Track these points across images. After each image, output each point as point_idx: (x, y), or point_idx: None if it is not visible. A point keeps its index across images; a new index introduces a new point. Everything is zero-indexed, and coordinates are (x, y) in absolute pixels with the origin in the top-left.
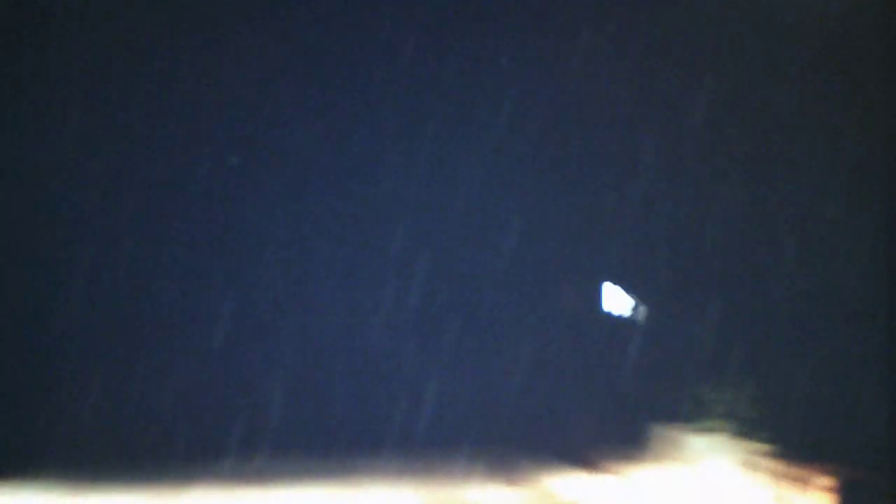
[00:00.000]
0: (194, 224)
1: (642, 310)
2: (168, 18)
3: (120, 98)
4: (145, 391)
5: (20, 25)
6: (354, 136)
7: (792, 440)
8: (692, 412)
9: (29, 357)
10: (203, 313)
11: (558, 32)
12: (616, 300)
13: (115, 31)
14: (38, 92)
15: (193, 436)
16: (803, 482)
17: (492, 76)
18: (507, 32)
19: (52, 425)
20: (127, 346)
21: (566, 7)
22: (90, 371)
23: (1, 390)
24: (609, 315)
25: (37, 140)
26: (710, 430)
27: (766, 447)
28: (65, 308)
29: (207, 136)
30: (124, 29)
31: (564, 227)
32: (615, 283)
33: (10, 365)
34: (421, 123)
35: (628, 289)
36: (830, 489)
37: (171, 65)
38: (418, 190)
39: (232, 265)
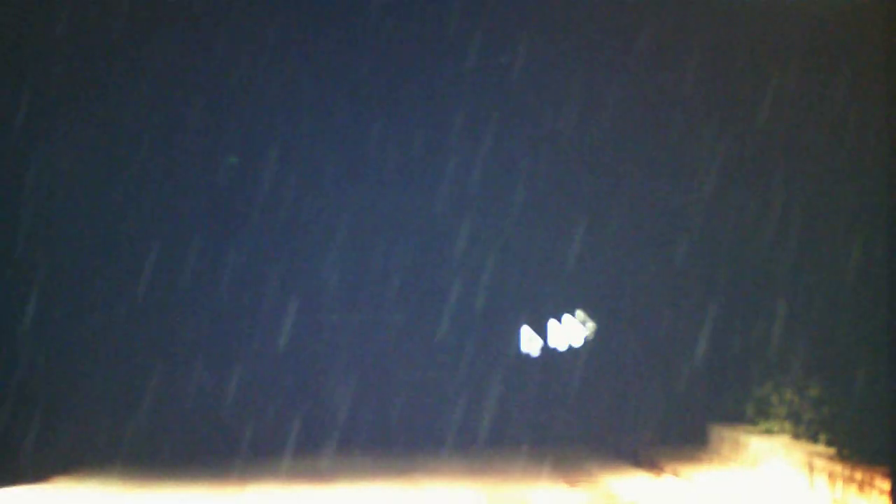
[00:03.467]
0: (266, 227)
1: (707, 310)
2: (169, 18)
3: (121, 98)
4: (210, 389)
5: (20, 25)
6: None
7: (853, 442)
8: (753, 413)
9: (96, 355)
10: (267, 314)
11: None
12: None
13: (116, 30)
14: (38, 91)
15: (256, 433)
16: (863, 484)
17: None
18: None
19: (117, 421)
20: (192, 345)
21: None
22: (155, 369)
23: (67, 388)
24: (668, 313)
25: (46, 143)
26: (772, 431)
27: (826, 449)
28: (130, 308)
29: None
30: (125, 28)
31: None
32: (672, 283)
33: (77, 362)
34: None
35: (690, 289)
36: (891, 492)
37: (171, 64)
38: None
39: (298, 266)
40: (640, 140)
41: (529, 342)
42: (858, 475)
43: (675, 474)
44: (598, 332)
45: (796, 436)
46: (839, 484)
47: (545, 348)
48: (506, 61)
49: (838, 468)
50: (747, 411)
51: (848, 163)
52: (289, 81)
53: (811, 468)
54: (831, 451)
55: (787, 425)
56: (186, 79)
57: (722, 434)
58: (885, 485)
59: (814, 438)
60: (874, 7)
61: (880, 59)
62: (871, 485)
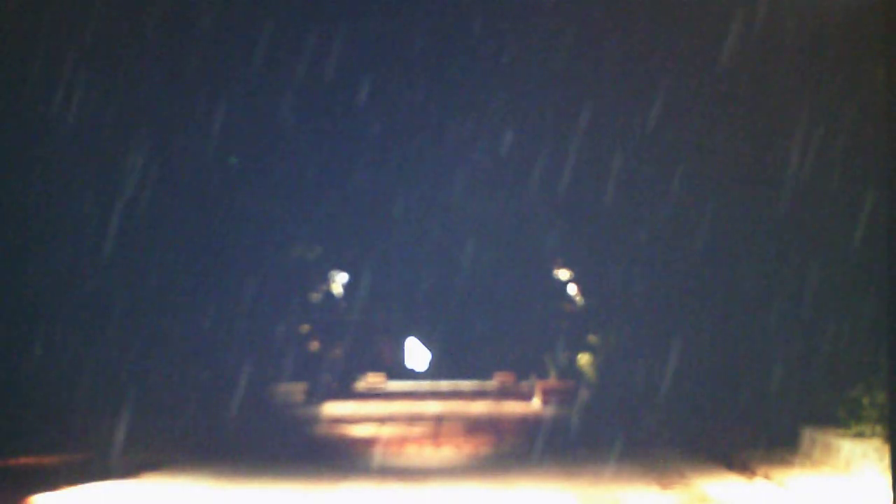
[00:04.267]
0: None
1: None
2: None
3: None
4: (299, 385)
5: (21, 24)
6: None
7: None
8: (845, 416)
9: (187, 352)
10: (358, 318)
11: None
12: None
13: (117, 30)
14: (38, 91)
15: (346, 430)
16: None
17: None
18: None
19: (208, 417)
20: (280, 343)
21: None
22: (246, 365)
23: (157, 384)
24: (760, 313)
25: (43, 141)
26: (864, 434)
27: None
28: (220, 306)
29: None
30: (125, 28)
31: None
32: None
33: (168, 359)
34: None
35: (780, 288)
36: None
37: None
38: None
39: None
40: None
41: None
42: None
43: (768, 478)
44: (687, 333)
45: (889, 439)
46: None
47: None
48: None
49: None
50: (839, 413)
51: None
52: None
53: None
54: None
55: (879, 428)
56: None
57: (813, 437)
58: None
59: None
60: (874, 7)
61: (880, 60)
62: None
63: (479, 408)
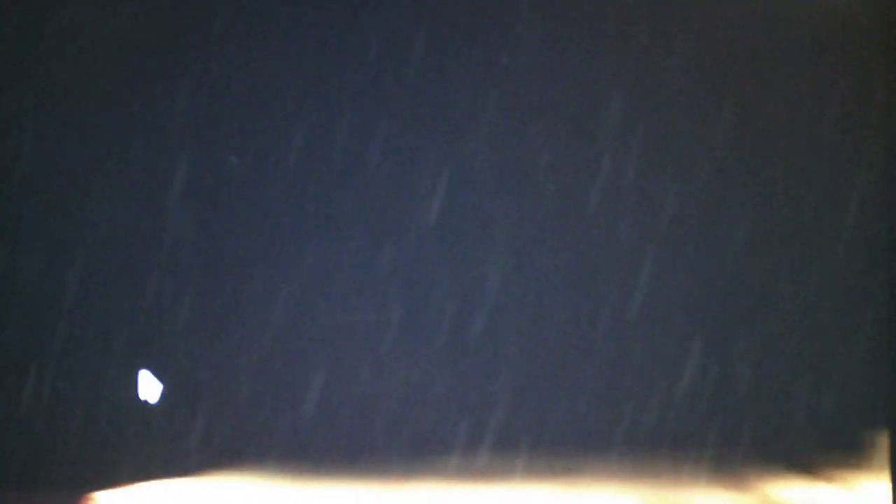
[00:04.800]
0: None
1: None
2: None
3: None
4: (370, 385)
5: (21, 25)
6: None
7: None
8: None
9: (253, 350)
10: (428, 310)
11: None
12: None
13: (117, 30)
14: (38, 90)
15: (417, 431)
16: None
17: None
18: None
19: (277, 416)
20: (352, 342)
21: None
22: (314, 363)
23: (226, 383)
24: (827, 310)
25: (40, 140)
26: None
27: None
28: (288, 298)
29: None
30: (126, 28)
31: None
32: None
33: (238, 357)
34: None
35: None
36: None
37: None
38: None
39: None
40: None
41: None
42: None
43: (835, 481)
44: (748, 327)
45: (889, 439)
46: None
47: None
48: None
49: None
50: None
51: None
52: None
53: None
54: None
55: None
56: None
57: (882, 439)
58: None
59: None
60: (874, 7)
61: (880, 59)
62: None
63: None
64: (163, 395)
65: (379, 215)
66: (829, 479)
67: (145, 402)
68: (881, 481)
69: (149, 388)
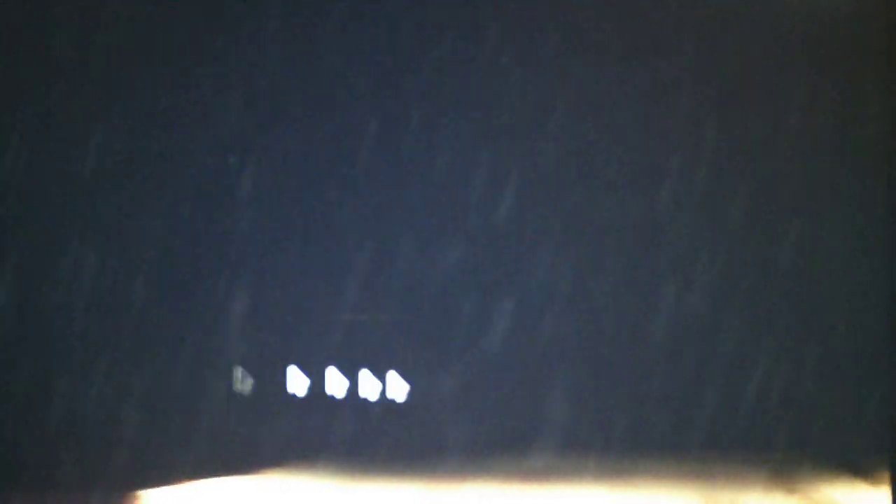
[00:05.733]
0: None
1: None
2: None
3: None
4: (423, 388)
5: (21, 25)
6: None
7: None
8: None
9: (304, 355)
10: (474, 314)
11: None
12: None
13: (117, 30)
14: (38, 90)
15: (470, 431)
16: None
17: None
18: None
19: (330, 420)
20: (406, 346)
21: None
22: (371, 369)
23: (276, 385)
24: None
25: (40, 141)
26: None
27: None
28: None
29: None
30: (126, 28)
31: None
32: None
33: (286, 360)
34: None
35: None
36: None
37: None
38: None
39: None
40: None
41: None
42: None
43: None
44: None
45: (890, 440)
46: None
47: None
48: None
49: None
50: None
51: None
52: None
53: None
54: None
55: None
56: None
57: None
58: None
59: None
60: (874, 7)
61: (880, 59)
62: None
63: None
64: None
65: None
66: (889, 482)
67: (240, 395)
68: None
69: (296, 382)
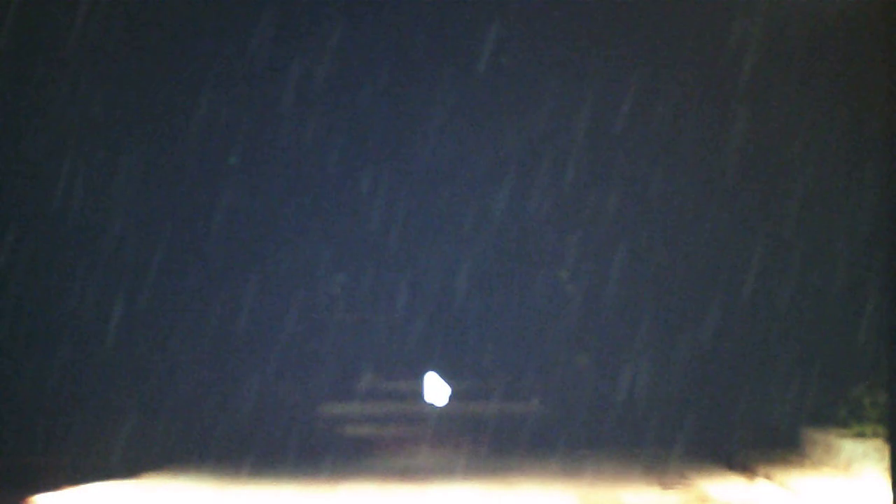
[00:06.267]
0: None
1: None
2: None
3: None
4: (298, 388)
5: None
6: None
7: None
8: (846, 416)
9: (190, 354)
10: (356, 315)
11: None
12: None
13: (117, 31)
14: (39, 91)
15: (344, 432)
16: (890, 481)
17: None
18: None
19: (207, 418)
20: (280, 345)
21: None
22: (245, 366)
23: (158, 385)
24: (766, 311)
25: (38, 138)
26: (865, 434)
27: None
28: (224, 305)
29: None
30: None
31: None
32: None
33: (168, 359)
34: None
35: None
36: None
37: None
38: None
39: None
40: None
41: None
42: None
43: (769, 478)
44: (681, 328)
45: (890, 439)
46: None
47: None
48: None
49: None
50: (840, 413)
51: None
52: None
53: None
54: None
55: (881, 429)
56: None
57: (814, 437)
58: None
59: None
60: (874, 7)
61: (880, 59)
62: None
63: None
64: (92, 396)
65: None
66: (763, 475)
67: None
68: (813, 476)
69: (437, 390)
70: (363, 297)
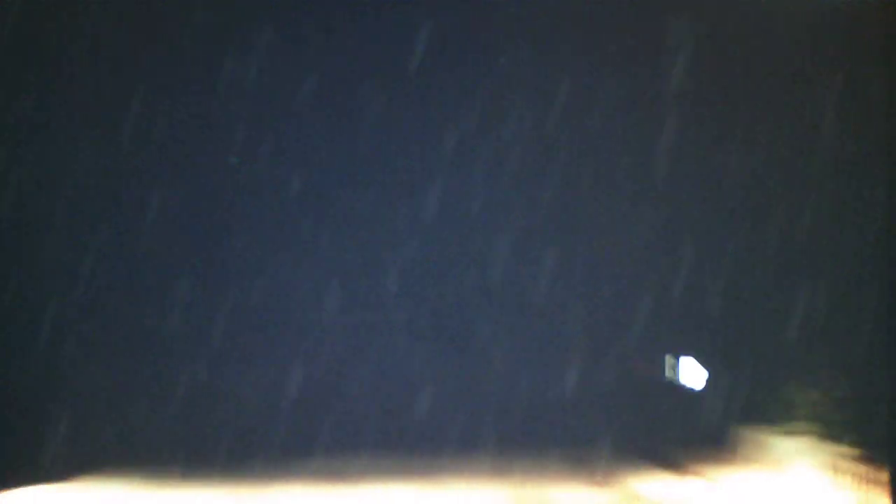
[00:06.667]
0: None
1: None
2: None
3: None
4: (229, 389)
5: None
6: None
7: (878, 442)
8: (777, 414)
9: (118, 354)
10: (289, 314)
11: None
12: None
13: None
14: (38, 91)
15: (276, 433)
16: (888, 486)
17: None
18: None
19: (136, 421)
20: (210, 345)
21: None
22: (174, 367)
23: (90, 387)
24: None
25: (36, 139)
26: (796, 432)
27: (851, 450)
28: (152, 307)
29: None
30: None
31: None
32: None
33: (100, 360)
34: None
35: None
36: (889, 486)
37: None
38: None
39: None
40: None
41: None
42: (883, 476)
43: (699, 475)
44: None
45: (820, 437)
46: (863, 485)
47: None
48: None
49: (862, 469)
50: (771, 412)
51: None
52: None
53: (835, 469)
54: (856, 451)
55: (811, 426)
56: None
57: (746, 435)
58: None
59: (838, 439)
60: (874, 7)
61: (880, 58)
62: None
63: None
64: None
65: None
66: (694, 472)
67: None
68: (744, 473)
69: (694, 374)
70: (293, 293)
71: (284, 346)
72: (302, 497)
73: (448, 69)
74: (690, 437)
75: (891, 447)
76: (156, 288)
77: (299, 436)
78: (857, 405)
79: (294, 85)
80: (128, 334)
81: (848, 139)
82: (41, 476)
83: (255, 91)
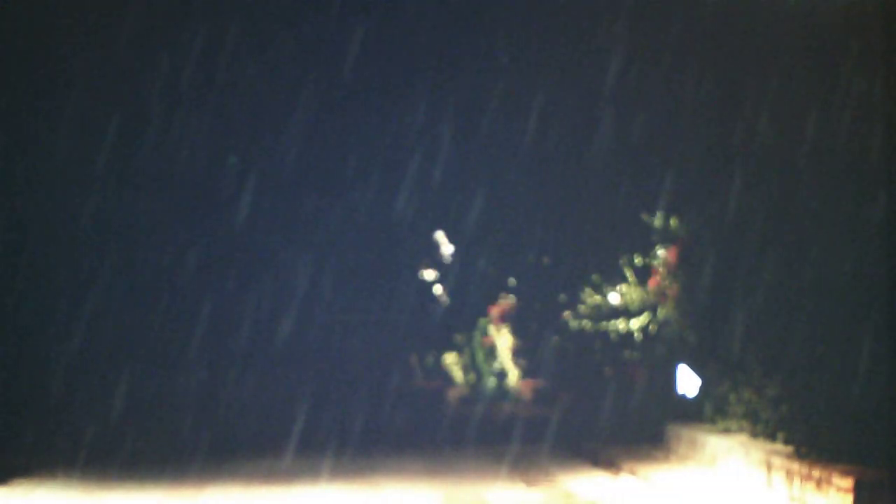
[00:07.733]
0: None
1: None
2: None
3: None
4: (167, 392)
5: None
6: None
7: (811, 440)
8: (711, 412)
9: (53, 356)
10: (227, 320)
11: None
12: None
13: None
14: (38, 91)
15: (214, 435)
16: (821, 482)
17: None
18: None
19: (78, 423)
20: (151, 347)
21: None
22: (112, 370)
23: (27, 388)
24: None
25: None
26: (730, 430)
27: (784, 447)
28: (94, 306)
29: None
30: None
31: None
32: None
33: (36, 361)
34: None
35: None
36: (849, 490)
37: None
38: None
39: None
40: None
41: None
42: (816, 473)
43: (633, 473)
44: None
45: (754, 434)
46: (797, 482)
47: None
48: None
49: (796, 466)
50: (705, 410)
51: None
52: None
53: (769, 467)
54: (789, 449)
55: (746, 424)
56: None
57: (679, 433)
58: (844, 482)
59: (772, 437)
60: (874, 7)
61: (880, 58)
62: (829, 482)
63: None
64: None
65: None
66: (627, 470)
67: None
68: (677, 471)
69: (688, 381)
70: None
71: (219, 347)
72: (236, 499)
73: None
74: (625, 435)
75: (890, 450)
76: (96, 291)
77: (230, 438)
78: (792, 403)
79: None
80: (65, 335)
81: (848, 139)
82: None
83: None
